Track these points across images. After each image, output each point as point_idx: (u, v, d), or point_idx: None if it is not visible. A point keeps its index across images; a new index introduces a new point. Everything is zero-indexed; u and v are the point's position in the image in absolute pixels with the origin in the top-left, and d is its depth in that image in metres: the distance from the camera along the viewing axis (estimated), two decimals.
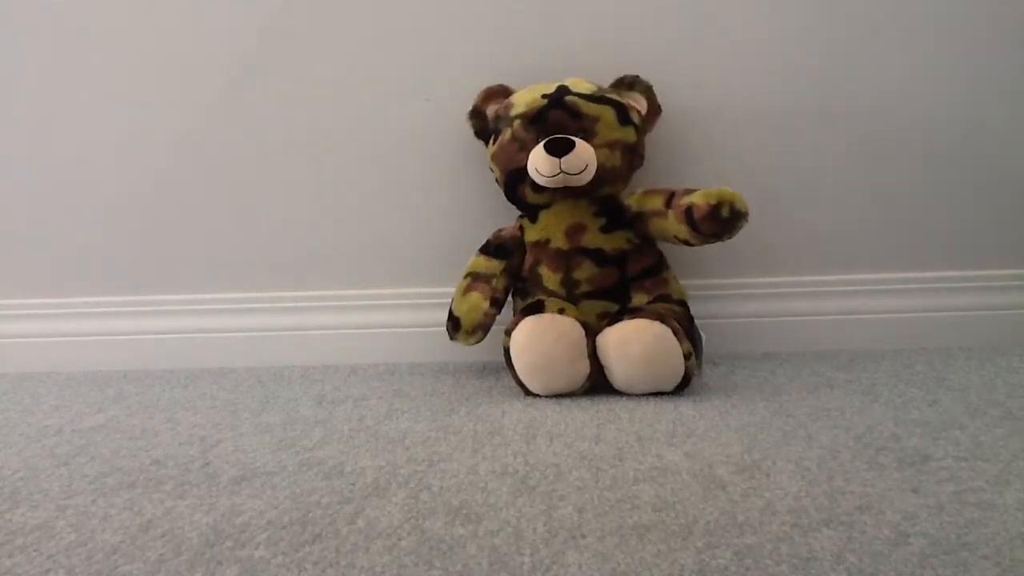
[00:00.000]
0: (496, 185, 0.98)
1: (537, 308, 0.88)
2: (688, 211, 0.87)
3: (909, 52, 0.98)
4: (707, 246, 1.04)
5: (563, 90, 0.93)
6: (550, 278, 0.93)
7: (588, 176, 0.90)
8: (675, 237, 0.89)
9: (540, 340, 0.86)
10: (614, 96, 0.94)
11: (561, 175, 0.90)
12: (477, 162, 1.03)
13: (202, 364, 1.08)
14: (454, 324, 0.95)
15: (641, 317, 0.85)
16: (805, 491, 0.60)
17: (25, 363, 1.10)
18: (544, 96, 0.92)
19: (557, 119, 0.91)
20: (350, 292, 1.08)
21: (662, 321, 0.84)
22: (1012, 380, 0.88)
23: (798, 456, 0.67)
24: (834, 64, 1.00)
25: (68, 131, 1.06)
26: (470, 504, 0.60)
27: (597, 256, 0.92)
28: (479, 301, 0.95)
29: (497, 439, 0.74)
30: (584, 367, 0.86)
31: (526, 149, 0.92)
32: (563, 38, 1.00)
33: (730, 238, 0.87)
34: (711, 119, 1.00)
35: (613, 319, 0.88)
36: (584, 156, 0.89)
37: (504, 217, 0.99)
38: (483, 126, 0.99)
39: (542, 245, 0.94)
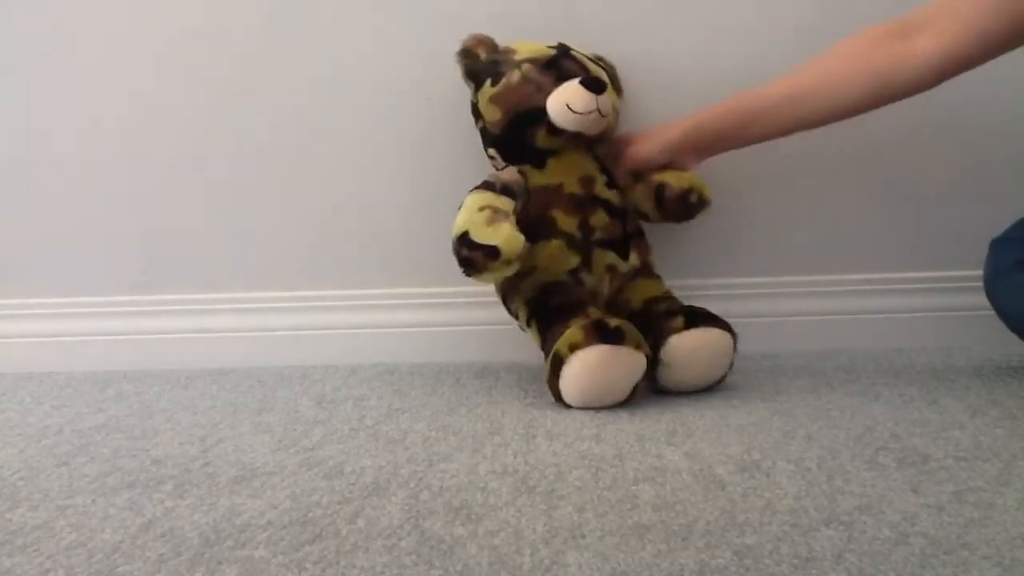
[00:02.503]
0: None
1: (603, 327, 0.81)
2: (660, 188, 0.93)
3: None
4: (704, 245, 1.05)
5: (565, 46, 0.94)
6: (566, 222, 0.90)
7: (606, 124, 0.91)
8: (635, 210, 0.95)
9: (605, 370, 0.81)
10: (604, 64, 0.97)
11: (595, 114, 0.88)
12: (477, 162, 1.03)
13: (202, 364, 1.08)
14: (489, 252, 0.83)
15: (710, 326, 0.85)
16: (805, 491, 0.60)
17: (25, 363, 1.10)
18: (550, 47, 0.93)
19: (569, 67, 0.92)
20: (350, 292, 1.08)
21: (729, 331, 0.86)
22: (1012, 380, 0.88)
23: (798, 456, 0.67)
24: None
25: (68, 131, 1.06)
26: (470, 504, 0.60)
27: (607, 207, 0.92)
28: (513, 231, 0.85)
29: (497, 439, 0.74)
30: (630, 391, 0.83)
31: (543, 91, 0.90)
32: (565, 38, 1.00)
33: (687, 221, 0.96)
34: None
35: (666, 318, 0.86)
36: (612, 100, 0.91)
37: None
38: (475, 67, 0.95)
39: (554, 190, 0.91)
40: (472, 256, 0.83)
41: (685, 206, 0.94)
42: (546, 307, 0.88)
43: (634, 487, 0.62)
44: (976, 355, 0.98)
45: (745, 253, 1.05)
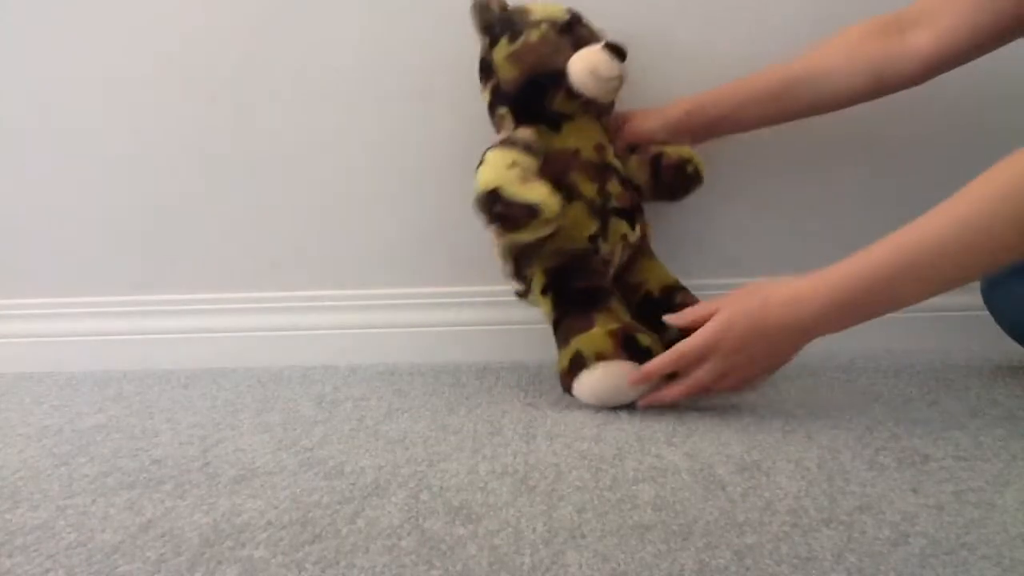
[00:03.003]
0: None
1: (634, 344, 0.80)
2: (657, 157, 0.93)
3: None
4: (704, 245, 1.04)
5: (576, 12, 0.92)
6: (587, 187, 0.88)
7: (617, 93, 0.91)
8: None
9: (627, 385, 0.80)
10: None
11: (616, 81, 0.87)
12: (477, 161, 1.02)
13: (202, 364, 1.08)
14: (529, 210, 0.81)
15: None
16: (805, 491, 0.60)
17: (25, 363, 1.10)
18: (565, 11, 0.91)
19: (583, 34, 0.90)
20: (350, 292, 1.08)
21: None
22: (1012, 380, 0.88)
23: (798, 456, 0.67)
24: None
25: (68, 130, 1.06)
26: (470, 504, 0.60)
27: (619, 176, 0.92)
28: (551, 190, 0.82)
29: (497, 439, 0.74)
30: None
31: (561, 54, 0.88)
32: None
33: (681, 198, 0.95)
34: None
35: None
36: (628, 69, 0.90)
37: None
38: (491, 20, 0.92)
39: (571, 154, 0.89)
40: (509, 213, 0.81)
41: (681, 177, 0.93)
42: (567, 286, 0.87)
43: (634, 487, 0.62)
44: (976, 355, 0.98)
45: (745, 253, 1.05)
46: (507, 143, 0.86)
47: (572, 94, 0.88)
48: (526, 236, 0.84)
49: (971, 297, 0.94)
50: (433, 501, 0.60)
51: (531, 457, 0.69)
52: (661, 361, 0.78)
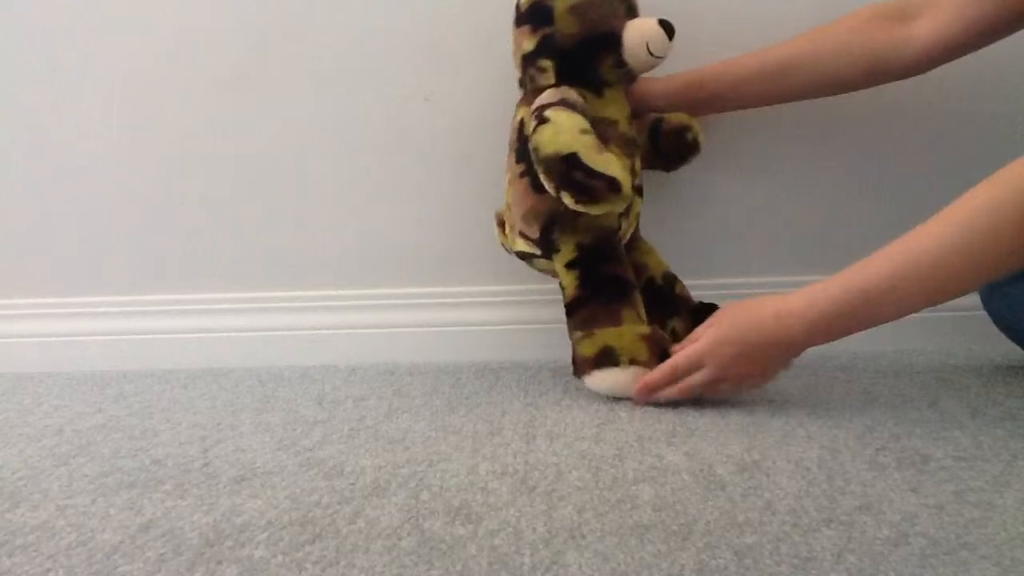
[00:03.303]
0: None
1: (666, 355, 0.82)
2: (656, 121, 0.93)
3: None
4: (704, 245, 1.04)
5: None
6: (624, 161, 0.85)
7: None
8: None
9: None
10: None
11: (661, 59, 0.87)
12: (477, 161, 1.03)
13: (202, 364, 1.08)
14: (612, 184, 0.78)
15: None
16: (805, 491, 0.60)
17: (25, 363, 1.10)
18: None
19: (632, 2, 0.89)
20: (350, 292, 1.08)
21: None
22: (1012, 380, 0.88)
23: (798, 456, 0.67)
24: None
25: (68, 130, 1.06)
26: (470, 504, 0.60)
27: (639, 151, 0.92)
28: (621, 164, 0.81)
29: (497, 439, 0.74)
30: None
31: (618, 18, 0.86)
32: None
33: (676, 167, 0.96)
34: (711, 117, 1.00)
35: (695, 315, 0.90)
36: None
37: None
38: None
39: (611, 125, 0.87)
40: (593, 185, 0.78)
41: (680, 144, 0.93)
42: (597, 267, 0.86)
43: (634, 487, 0.62)
44: (976, 355, 0.98)
45: (745, 253, 1.05)
46: (566, 104, 0.83)
47: (619, 62, 0.87)
48: (598, 210, 0.81)
49: (971, 298, 0.94)
50: (433, 501, 0.60)
51: (531, 457, 0.69)
52: (660, 374, 0.81)
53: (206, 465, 0.70)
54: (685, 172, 1.00)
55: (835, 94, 0.92)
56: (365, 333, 1.07)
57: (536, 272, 0.95)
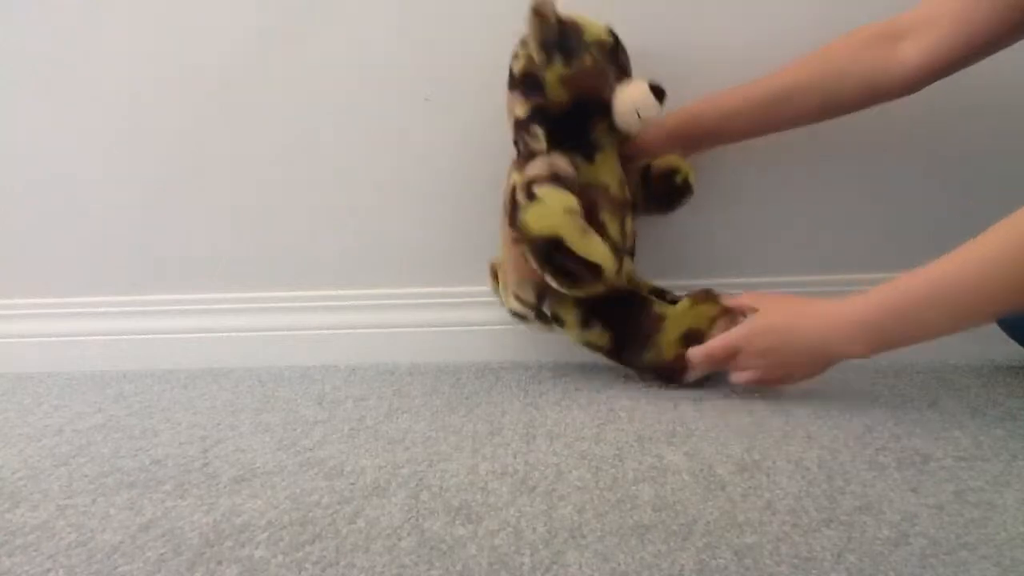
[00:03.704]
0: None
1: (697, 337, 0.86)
2: (646, 168, 0.93)
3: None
4: (704, 245, 1.04)
5: (614, 32, 0.89)
6: (613, 227, 0.86)
7: None
8: None
9: None
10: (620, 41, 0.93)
11: (649, 121, 0.87)
12: (477, 161, 1.03)
13: (202, 364, 1.08)
14: (593, 269, 0.80)
15: None
16: (805, 491, 0.60)
17: (25, 363, 1.10)
18: (606, 30, 0.88)
19: (624, 60, 0.89)
20: (350, 292, 1.08)
21: None
22: (1012, 380, 0.88)
23: (798, 456, 0.67)
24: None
25: (68, 130, 1.06)
26: (470, 504, 0.60)
27: (633, 211, 0.92)
28: (607, 247, 0.82)
29: (497, 439, 0.74)
30: None
31: (608, 83, 0.86)
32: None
33: (671, 210, 0.95)
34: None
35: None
36: None
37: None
38: (549, 35, 0.84)
39: (601, 190, 0.87)
40: (576, 270, 0.80)
41: (671, 188, 0.93)
42: (610, 309, 0.87)
43: (634, 487, 0.62)
44: (976, 355, 0.98)
45: (744, 253, 1.05)
46: (555, 179, 0.83)
47: (610, 127, 0.88)
48: (580, 293, 0.84)
49: None
50: (433, 501, 0.60)
51: (531, 457, 0.69)
52: (699, 352, 0.85)
53: (206, 465, 0.70)
54: None
55: (830, 118, 0.91)
56: (365, 333, 1.07)
57: None
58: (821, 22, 0.92)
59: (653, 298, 0.89)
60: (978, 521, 0.54)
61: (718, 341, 0.83)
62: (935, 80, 0.85)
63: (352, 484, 0.64)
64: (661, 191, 0.94)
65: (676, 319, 0.86)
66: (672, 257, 0.98)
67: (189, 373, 1.05)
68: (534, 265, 0.82)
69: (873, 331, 0.74)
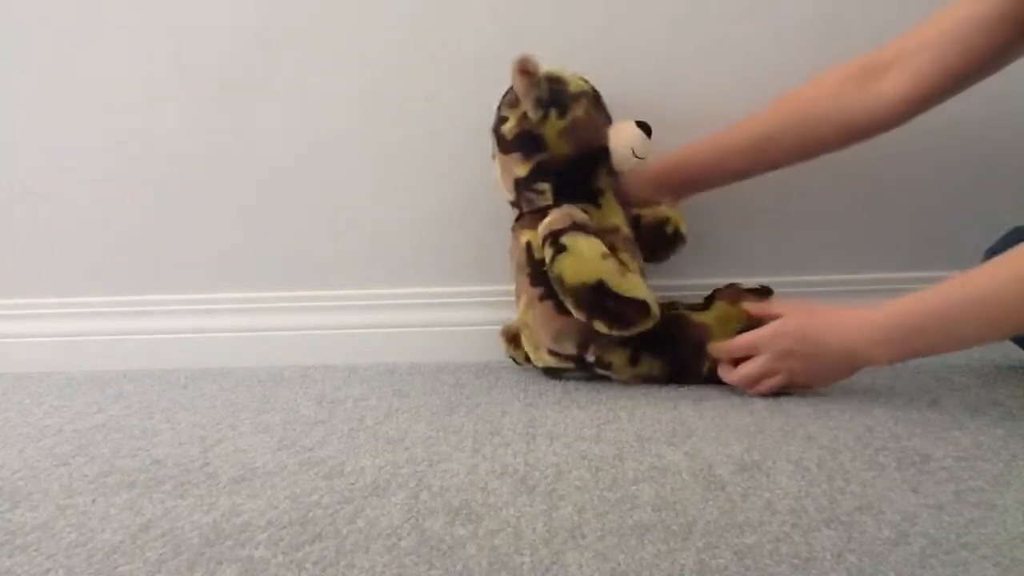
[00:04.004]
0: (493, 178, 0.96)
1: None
2: (635, 220, 0.94)
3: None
4: (704, 245, 1.04)
5: (587, 80, 0.92)
6: (632, 264, 0.88)
7: None
8: None
9: None
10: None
11: (644, 159, 0.89)
12: (477, 161, 1.03)
13: (202, 364, 1.08)
14: (640, 308, 0.82)
15: None
16: (805, 491, 0.60)
17: (25, 363, 1.10)
18: (583, 80, 0.91)
19: (604, 108, 0.92)
20: (350, 292, 1.08)
21: None
22: (1012, 380, 0.88)
23: (798, 456, 0.67)
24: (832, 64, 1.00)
25: (68, 131, 1.06)
26: (470, 504, 0.60)
27: (638, 246, 0.93)
28: (645, 284, 0.85)
29: (497, 439, 0.74)
30: None
31: (600, 130, 0.89)
32: (565, 37, 1.00)
33: (664, 259, 0.96)
34: (710, 120, 1.00)
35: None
36: None
37: (506, 216, 0.99)
38: (541, 92, 0.87)
39: (614, 231, 0.90)
40: (622, 310, 0.82)
41: (661, 238, 0.94)
42: (656, 340, 0.87)
43: (634, 487, 0.62)
44: (976, 355, 0.98)
45: (745, 253, 1.05)
46: (577, 227, 0.84)
47: (610, 170, 0.90)
48: (631, 333, 0.84)
49: None
50: (433, 501, 0.60)
51: (531, 457, 0.69)
52: (724, 346, 0.85)
53: (206, 465, 0.70)
54: None
55: (812, 159, 0.91)
56: (365, 333, 1.07)
57: None
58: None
59: (683, 311, 0.89)
60: (978, 521, 0.54)
61: (742, 340, 0.83)
62: (916, 114, 0.85)
63: (352, 484, 0.64)
64: (653, 242, 0.95)
65: (721, 323, 0.87)
66: (671, 257, 0.98)
67: (189, 373, 1.05)
68: (579, 315, 0.83)
69: (898, 340, 0.74)
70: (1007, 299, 0.69)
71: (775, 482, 0.62)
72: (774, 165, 0.92)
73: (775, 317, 0.83)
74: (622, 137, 0.89)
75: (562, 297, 0.83)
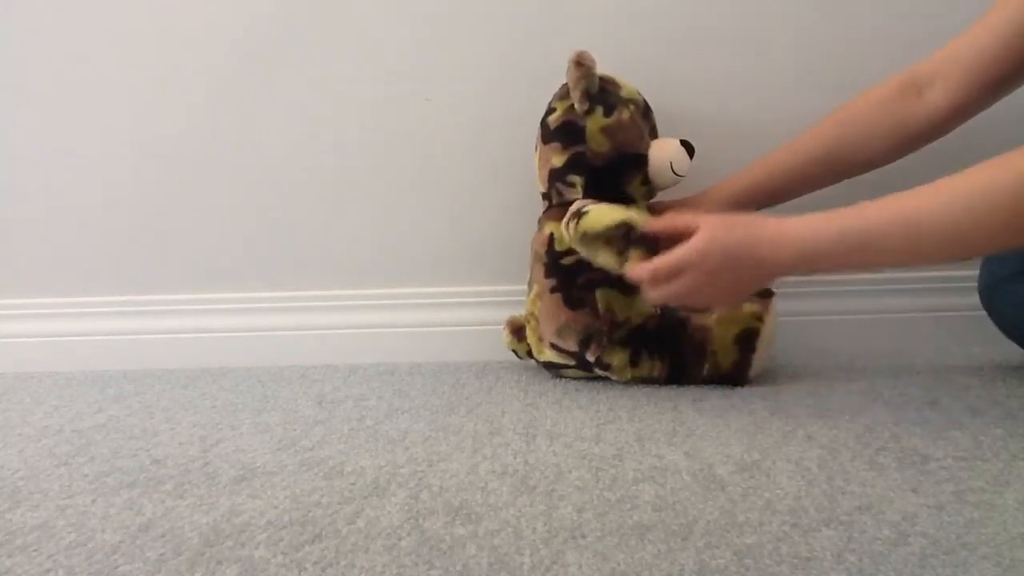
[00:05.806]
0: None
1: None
2: None
3: (912, 55, 0.98)
4: None
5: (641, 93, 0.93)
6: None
7: None
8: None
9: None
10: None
11: (683, 177, 0.91)
12: (477, 162, 1.03)
13: (202, 364, 1.08)
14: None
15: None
16: (805, 491, 0.60)
17: (25, 363, 1.10)
18: (637, 91, 0.92)
19: (653, 122, 0.94)
20: (350, 292, 1.08)
21: None
22: (1012, 380, 0.88)
23: (798, 456, 0.67)
24: (833, 67, 1.00)
25: (68, 131, 1.06)
26: (470, 504, 0.60)
27: None
28: None
29: (497, 439, 0.74)
30: None
31: (643, 139, 0.90)
32: (565, 37, 1.00)
33: None
34: (709, 124, 1.00)
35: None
36: None
37: (506, 216, 0.99)
38: (593, 87, 0.89)
39: None
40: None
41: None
42: (654, 341, 0.89)
43: (634, 487, 0.62)
44: (976, 355, 0.98)
45: None
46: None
47: (644, 180, 0.91)
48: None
49: (971, 298, 0.94)
50: (433, 501, 0.60)
51: (531, 457, 0.69)
52: (641, 271, 0.78)
53: (206, 465, 0.70)
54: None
55: (871, 170, 0.91)
56: (365, 333, 1.07)
57: None
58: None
59: (683, 313, 0.89)
60: (978, 521, 0.54)
61: (666, 260, 0.76)
62: (965, 120, 0.86)
63: (352, 484, 0.64)
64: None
65: (723, 326, 0.87)
66: None
67: (189, 373, 1.05)
68: (611, 261, 0.82)
69: (825, 256, 0.72)
70: (947, 231, 0.68)
71: (775, 482, 0.62)
72: (838, 178, 0.92)
73: (690, 229, 0.77)
74: (664, 150, 0.90)
75: (584, 249, 0.84)
